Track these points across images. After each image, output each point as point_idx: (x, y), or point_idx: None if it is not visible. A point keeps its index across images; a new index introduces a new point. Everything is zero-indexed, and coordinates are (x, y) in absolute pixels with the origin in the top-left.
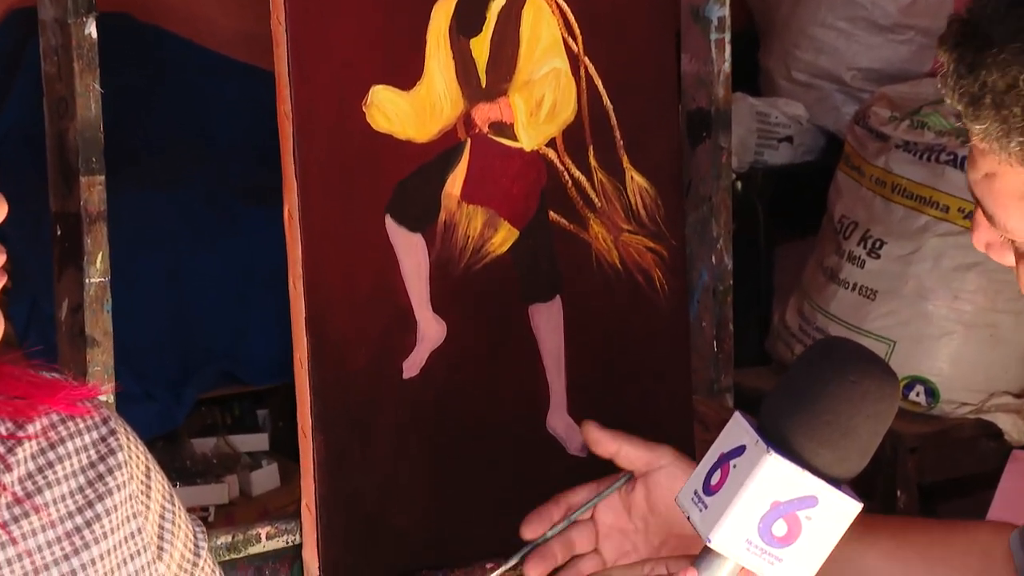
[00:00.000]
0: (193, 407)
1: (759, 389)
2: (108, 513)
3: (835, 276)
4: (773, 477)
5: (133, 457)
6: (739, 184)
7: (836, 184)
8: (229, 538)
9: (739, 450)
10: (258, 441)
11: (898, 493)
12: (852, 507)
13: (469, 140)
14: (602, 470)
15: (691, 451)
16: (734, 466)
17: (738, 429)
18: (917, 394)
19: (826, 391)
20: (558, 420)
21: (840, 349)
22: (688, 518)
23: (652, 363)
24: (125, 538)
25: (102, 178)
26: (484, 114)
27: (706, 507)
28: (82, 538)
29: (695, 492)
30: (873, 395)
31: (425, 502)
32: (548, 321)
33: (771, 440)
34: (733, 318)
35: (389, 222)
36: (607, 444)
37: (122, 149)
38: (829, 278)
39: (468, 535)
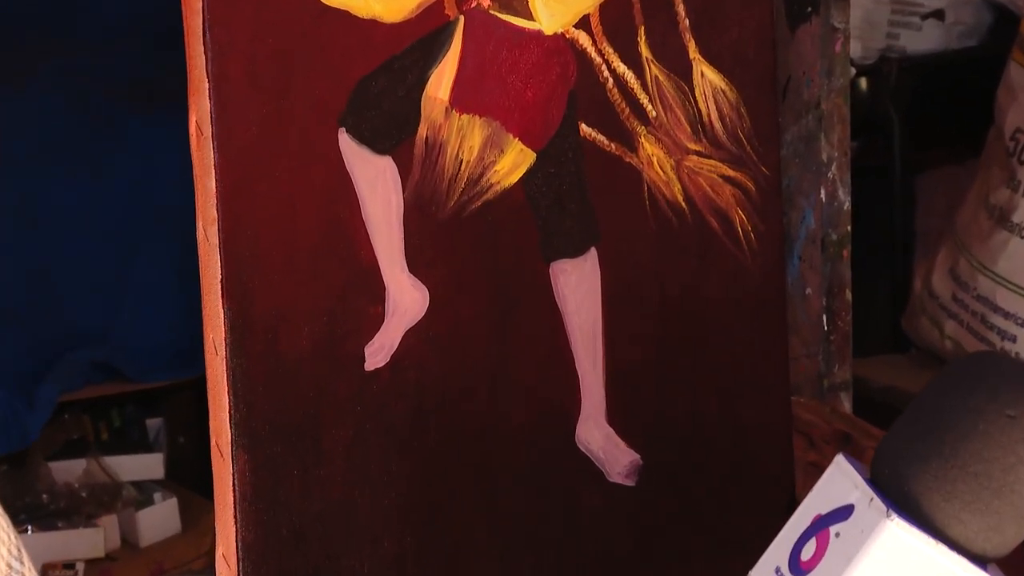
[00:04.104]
0: (53, 414)
1: (893, 388)
2: None
3: (1005, 219)
4: (894, 552)
5: None
6: (863, 83)
7: (1008, 82)
8: None
9: (844, 512)
10: (149, 465)
11: None
12: None
13: (462, 19)
14: (655, 508)
15: (789, 477)
16: (836, 535)
17: (842, 481)
18: None
19: (973, 430)
20: (593, 431)
21: (993, 369)
22: None
23: (732, 348)
24: None
25: None
26: None
27: None
28: None
29: (777, 570)
30: None
31: (395, 549)
32: (579, 286)
33: (891, 499)
34: (853, 282)
35: (345, 139)
36: None
37: None
38: (997, 221)
39: None
